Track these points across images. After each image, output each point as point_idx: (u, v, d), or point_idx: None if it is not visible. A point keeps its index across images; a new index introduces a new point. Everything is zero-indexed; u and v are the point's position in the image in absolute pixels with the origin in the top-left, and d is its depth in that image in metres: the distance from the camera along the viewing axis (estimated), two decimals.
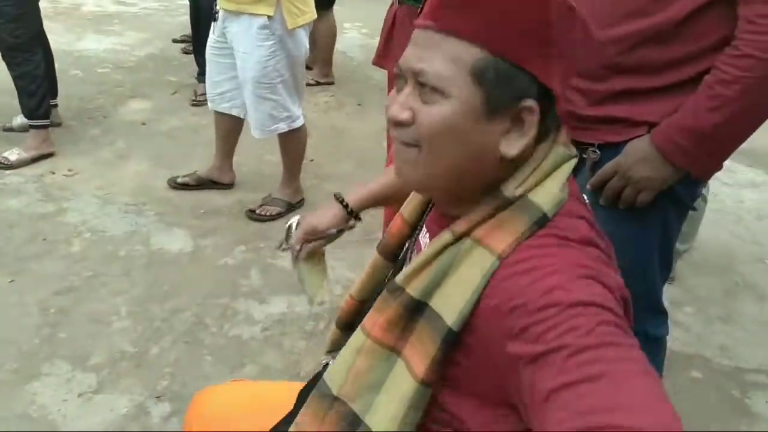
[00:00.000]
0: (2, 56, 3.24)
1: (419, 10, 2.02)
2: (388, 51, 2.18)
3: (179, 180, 3.19)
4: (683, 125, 1.27)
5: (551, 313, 0.71)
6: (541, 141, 0.86)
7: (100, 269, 2.60)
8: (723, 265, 3.04)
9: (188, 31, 4.87)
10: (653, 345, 1.63)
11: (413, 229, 1.08)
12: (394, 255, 1.13)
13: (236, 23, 2.72)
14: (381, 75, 3.55)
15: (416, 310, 0.86)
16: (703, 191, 2.63)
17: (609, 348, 0.67)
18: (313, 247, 1.36)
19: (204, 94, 3.36)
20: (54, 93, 3.61)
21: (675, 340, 2.46)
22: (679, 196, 1.40)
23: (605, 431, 0.60)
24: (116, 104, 4.05)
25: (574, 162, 0.88)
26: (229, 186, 3.25)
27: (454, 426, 0.87)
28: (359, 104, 4.44)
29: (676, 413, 0.63)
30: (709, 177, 1.44)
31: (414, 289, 0.86)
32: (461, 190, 0.87)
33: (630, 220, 1.37)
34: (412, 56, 0.83)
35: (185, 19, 5.28)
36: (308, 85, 4.53)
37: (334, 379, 0.93)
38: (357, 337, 0.93)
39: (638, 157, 1.32)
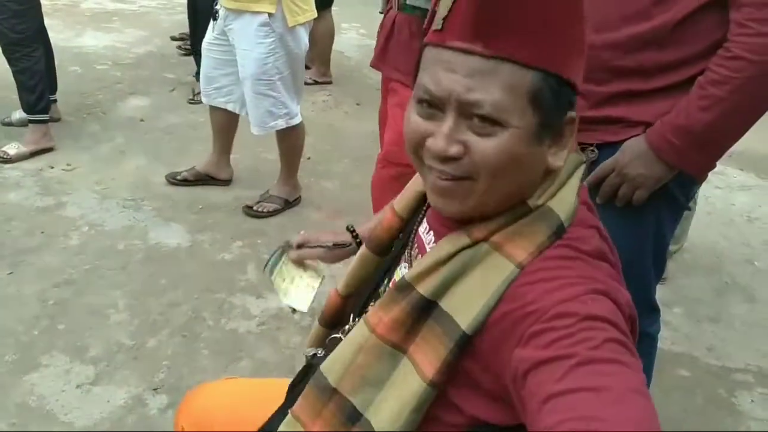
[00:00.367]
0: (3, 51, 3.27)
1: (424, 20, 2.05)
2: (385, 56, 2.21)
3: (179, 177, 3.23)
4: (676, 124, 1.31)
5: (565, 323, 0.72)
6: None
7: (98, 263, 2.63)
8: (713, 266, 3.09)
9: (186, 29, 4.90)
10: (646, 341, 1.66)
11: (405, 223, 1.07)
12: (385, 249, 1.11)
13: (238, 21, 2.76)
14: (379, 75, 3.58)
15: (425, 309, 0.85)
16: None
17: (614, 365, 0.68)
18: (303, 255, 1.33)
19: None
20: (53, 88, 3.64)
21: (664, 339, 2.50)
22: (674, 196, 1.43)
23: None
24: (115, 100, 4.08)
25: (583, 167, 0.89)
26: (226, 182, 3.29)
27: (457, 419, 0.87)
28: (357, 104, 4.47)
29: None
30: (703, 175, 1.46)
31: (425, 289, 0.85)
32: (500, 207, 0.85)
33: (625, 218, 1.40)
34: (457, 85, 0.77)
35: (183, 17, 5.30)
36: (306, 84, 4.55)
37: (332, 372, 0.92)
38: (360, 332, 0.91)
39: (634, 155, 1.35)
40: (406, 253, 1.02)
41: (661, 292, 2.74)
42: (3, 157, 3.23)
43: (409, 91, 2.24)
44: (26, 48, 3.22)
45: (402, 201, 1.09)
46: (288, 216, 3.10)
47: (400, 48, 2.12)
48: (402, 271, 1.01)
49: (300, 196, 3.22)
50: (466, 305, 0.81)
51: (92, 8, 5.77)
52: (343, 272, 1.19)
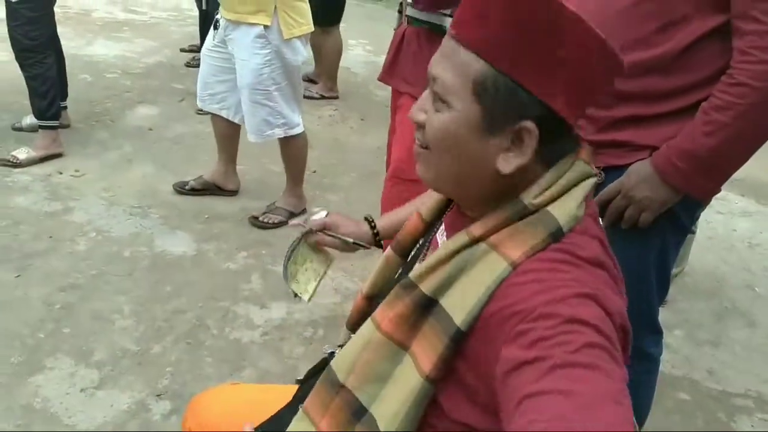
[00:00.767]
0: (16, 57, 3.30)
1: (432, 32, 2.08)
2: (394, 69, 2.23)
3: (187, 187, 3.25)
4: (681, 148, 1.33)
5: (548, 323, 0.73)
6: (554, 162, 0.87)
7: (104, 268, 2.64)
8: (713, 290, 3.10)
9: (196, 41, 4.96)
10: (649, 362, 1.68)
11: (429, 227, 1.10)
12: (407, 252, 1.14)
13: (236, 31, 2.83)
14: (384, 91, 3.62)
15: (427, 307, 0.88)
16: None
17: (589, 370, 0.69)
18: (322, 240, 1.35)
19: None
20: (64, 95, 3.67)
21: (665, 362, 2.49)
22: (678, 219, 1.45)
23: None
24: (124, 109, 4.11)
25: (593, 181, 0.90)
26: (233, 193, 3.31)
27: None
28: (362, 119, 4.51)
29: None
30: (708, 199, 1.49)
31: (426, 287, 0.88)
32: (467, 195, 0.92)
33: (630, 240, 1.42)
34: (434, 60, 0.88)
35: (193, 29, 5.39)
36: (313, 98, 4.63)
37: (341, 367, 0.96)
38: (367, 328, 0.95)
39: (639, 178, 1.38)
40: (421, 255, 1.05)
41: (661, 315, 2.75)
42: (13, 162, 3.26)
43: None
44: (39, 54, 3.26)
45: (427, 205, 1.12)
46: (293, 227, 3.11)
47: (408, 60, 2.15)
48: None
49: (306, 209, 3.24)
50: (461, 303, 0.84)
51: (103, 17, 5.82)
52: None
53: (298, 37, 2.88)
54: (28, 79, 3.31)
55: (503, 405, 0.73)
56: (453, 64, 0.84)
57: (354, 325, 1.21)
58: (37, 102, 3.32)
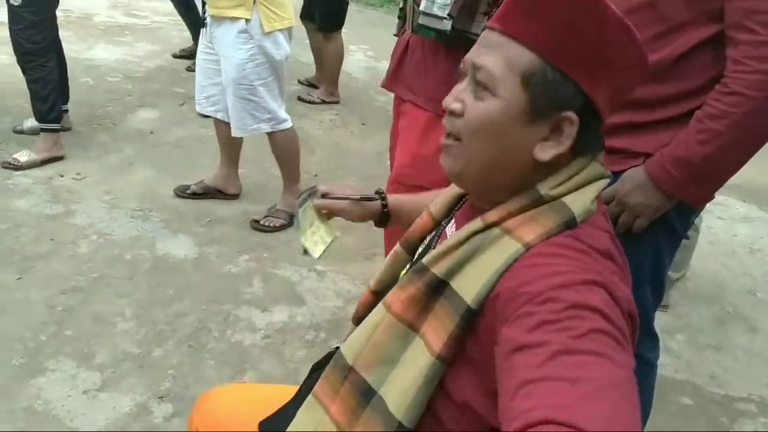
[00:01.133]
0: (18, 60, 3.30)
1: (437, 41, 2.07)
2: (398, 77, 2.22)
3: (189, 191, 3.25)
4: (675, 156, 1.35)
5: (554, 307, 0.73)
6: (579, 155, 0.90)
7: (105, 271, 2.64)
8: (715, 295, 3.10)
9: (190, 45, 4.98)
10: (646, 367, 1.68)
11: (438, 225, 1.11)
12: (415, 248, 1.15)
13: (220, 28, 2.84)
14: (385, 97, 3.62)
15: (438, 288, 0.89)
16: (696, 221, 2.71)
17: (596, 357, 0.68)
18: (330, 205, 1.34)
19: None
20: (66, 98, 3.67)
21: (667, 367, 2.52)
22: (672, 224, 1.46)
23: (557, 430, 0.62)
24: (125, 112, 4.11)
25: (606, 181, 0.93)
26: (235, 196, 3.31)
27: (466, 415, 0.89)
28: (363, 124, 4.51)
29: None
30: (701, 206, 1.50)
31: (438, 270, 0.89)
32: (492, 185, 0.92)
33: (623, 246, 1.43)
34: (474, 52, 0.90)
35: None
36: (314, 103, 4.65)
37: (350, 350, 0.97)
38: (377, 312, 0.96)
39: (634, 185, 1.39)
40: (432, 247, 1.05)
41: (663, 320, 2.78)
42: (14, 165, 3.25)
43: (420, 111, 2.26)
44: (41, 58, 3.26)
45: (437, 203, 1.13)
46: (295, 230, 3.12)
47: (412, 68, 2.14)
48: None
49: None
50: (472, 283, 0.85)
51: (105, 21, 5.82)
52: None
53: (281, 31, 2.89)
54: (30, 83, 3.31)
55: (503, 383, 0.73)
56: (500, 55, 0.86)
57: (360, 320, 1.20)
58: (39, 105, 3.32)
